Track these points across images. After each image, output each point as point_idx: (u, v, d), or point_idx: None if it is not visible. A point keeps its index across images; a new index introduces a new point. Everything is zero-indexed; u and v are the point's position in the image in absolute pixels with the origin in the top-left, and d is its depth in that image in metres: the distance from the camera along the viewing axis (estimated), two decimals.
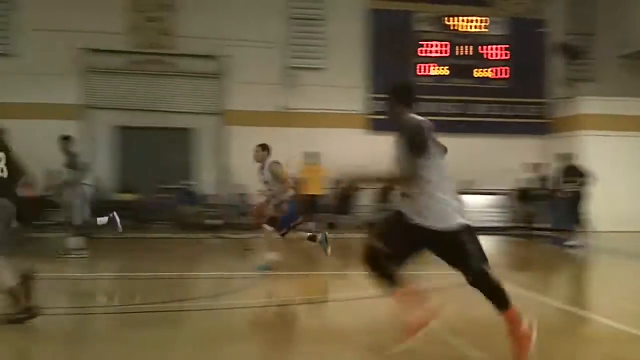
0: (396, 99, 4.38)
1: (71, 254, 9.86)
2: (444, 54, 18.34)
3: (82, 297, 7.26)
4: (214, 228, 15.06)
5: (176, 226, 15.68)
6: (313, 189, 15.37)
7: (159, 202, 16.11)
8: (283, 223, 8.65)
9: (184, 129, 16.88)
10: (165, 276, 8.61)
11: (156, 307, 6.38)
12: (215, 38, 16.47)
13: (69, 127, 15.56)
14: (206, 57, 16.74)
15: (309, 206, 15.69)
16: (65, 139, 10.49)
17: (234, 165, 16.38)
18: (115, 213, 9.37)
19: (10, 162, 5.64)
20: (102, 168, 16.31)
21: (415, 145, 4.07)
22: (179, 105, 16.61)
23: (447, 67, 18.30)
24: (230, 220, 16.00)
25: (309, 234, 9.40)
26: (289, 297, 7.31)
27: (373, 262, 4.20)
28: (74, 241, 10.02)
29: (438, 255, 4.20)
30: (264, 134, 16.66)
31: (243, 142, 16.46)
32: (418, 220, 4.12)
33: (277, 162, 8.73)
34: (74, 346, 5.00)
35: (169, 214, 16.03)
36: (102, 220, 9.44)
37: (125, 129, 16.49)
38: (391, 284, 4.21)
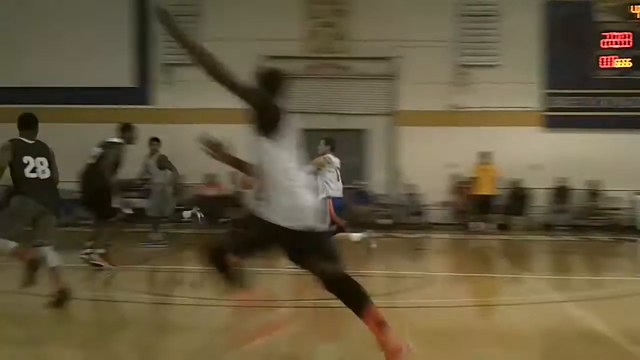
0: (260, 85, 4.22)
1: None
2: (629, 45, 17.14)
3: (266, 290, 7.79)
4: (384, 227, 15.35)
5: (349, 225, 16.14)
6: (486, 189, 15.26)
7: None
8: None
9: (357, 130, 17.29)
10: None
11: (331, 302, 6.70)
12: (387, 40, 16.70)
13: (240, 132, 16.72)
14: (378, 59, 17.04)
15: (481, 206, 15.52)
16: (155, 140, 11.29)
17: (404, 165, 16.60)
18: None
19: (52, 165, 6.13)
20: None
21: (263, 120, 3.97)
22: (353, 107, 17.07)
23: (631, 59, 17.06)
24: (400, 220, 16.25)
25: None
26: (459, 299, 7.36)
27: (217, 260, 3.93)
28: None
29: (288, 255, 4.00)
30: (434, 134, 16.79)
31: (414, 142, 16.66)
32: (267, 214, 3.86)
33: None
34: None
35: (344, 213, 16.52)
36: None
37: (302, 132, 17.24)
38: (235, 284, 3.98)
